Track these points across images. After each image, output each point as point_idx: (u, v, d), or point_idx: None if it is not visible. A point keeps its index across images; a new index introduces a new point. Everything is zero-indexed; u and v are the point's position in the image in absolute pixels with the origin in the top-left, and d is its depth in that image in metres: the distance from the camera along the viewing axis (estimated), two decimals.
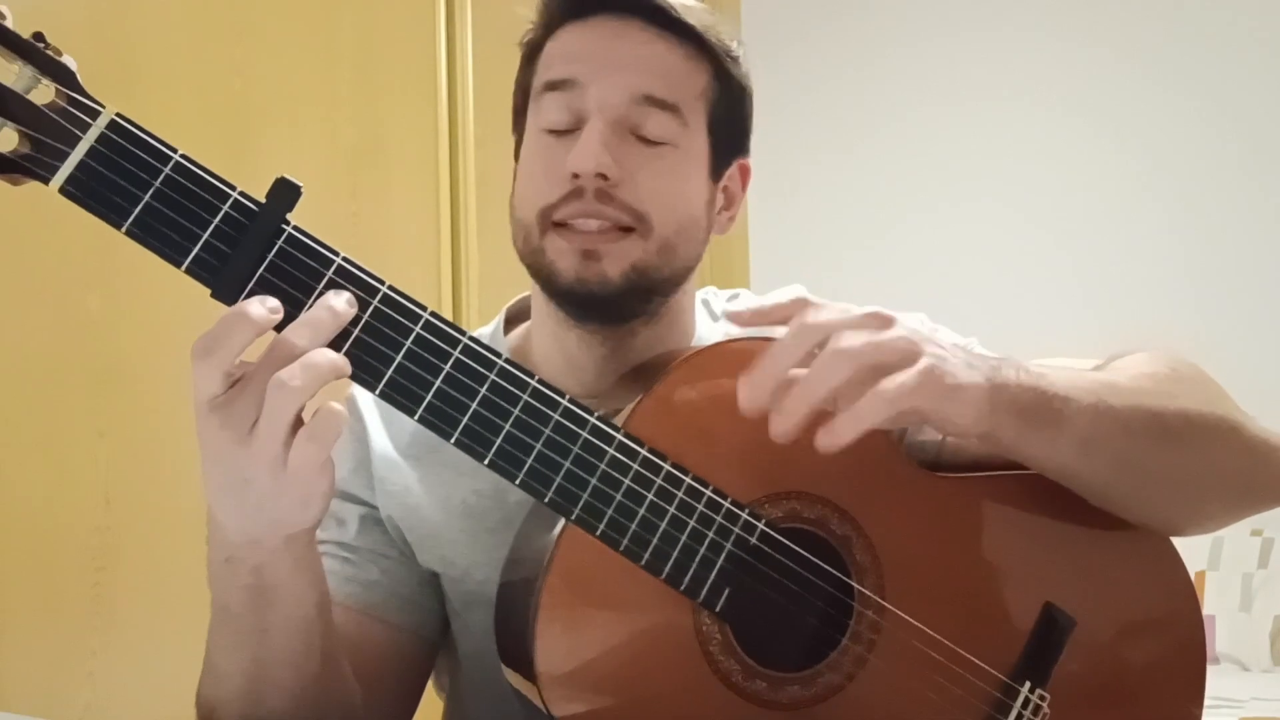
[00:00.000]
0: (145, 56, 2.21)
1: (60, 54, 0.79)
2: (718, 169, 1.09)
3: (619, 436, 0.88)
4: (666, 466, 0.89)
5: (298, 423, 0.78)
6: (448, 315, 2.61)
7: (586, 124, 1.02)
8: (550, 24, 1.08)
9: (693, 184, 1.06)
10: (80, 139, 0.77)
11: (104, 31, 2.16)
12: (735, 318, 0.91)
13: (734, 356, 0.96)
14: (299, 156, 2.42)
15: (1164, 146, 3.57)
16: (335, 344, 0.80)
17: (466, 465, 0.86)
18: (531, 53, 1.09)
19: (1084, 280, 3.59)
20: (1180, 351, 1.04)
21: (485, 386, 0.84)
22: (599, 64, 1.03)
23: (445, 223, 2.68)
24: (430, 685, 1.17)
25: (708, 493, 0.90)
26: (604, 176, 1.01)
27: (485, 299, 2.68)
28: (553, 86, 1.05)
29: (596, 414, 0.88)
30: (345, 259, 0.82)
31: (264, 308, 0.77)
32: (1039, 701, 0.97)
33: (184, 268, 0.79)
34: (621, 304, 1.04)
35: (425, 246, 2.64)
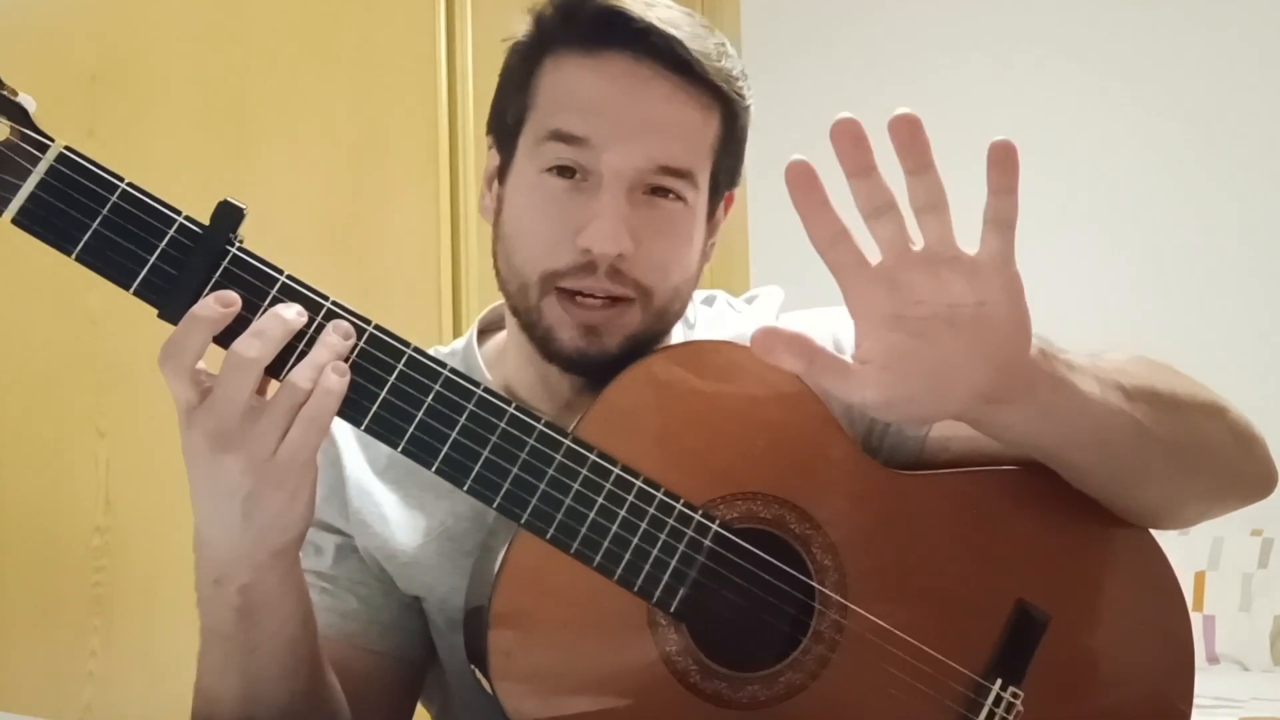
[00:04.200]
0: (145, 57, 2.22)
1: (16, 94, 0.83)
2: (712, 211, 1.06)
3: (567, 441, 0.88)
4: (616, 470, 0.90)
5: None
6: (448, 315, 2.63)
7: (601, 193, 0.96)
8: (550, 41, 1.01)
9: (694, 243, 1.03)
10: (31, 172, 0.81)
11: (104, 32, 2.17)
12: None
13: (684, 359, 0.97)
14: (299, 156, 2.41)
15: (1169, 151, 3.55)
16: (281, 360, 0.82)
17: (445, 488, 0.87)
18: (526, 66, 1.02)
19: (1079, 281, 3.57)
20: (1154, 352, 1.03)
21: (430, 397, 0.86)
22: (616, 125, 0.97)
23: (445, 223, 2.66)
24: (422, 704, 1.17)
25: (659, 495, 0.91)
26: (620, 256, 0.97)
27: (485, 299, 2.65)
28: (562, 138, 0.98)
29: (544, 419, 0.88)
30: (290, 276, 0.84)
31: (217, 304, 0.81)
32: (1011, 699, 0.96)
33: (132, 290, 0.82)
34: (617, 368, 0.98)
35: (425, 246, 2.63)
